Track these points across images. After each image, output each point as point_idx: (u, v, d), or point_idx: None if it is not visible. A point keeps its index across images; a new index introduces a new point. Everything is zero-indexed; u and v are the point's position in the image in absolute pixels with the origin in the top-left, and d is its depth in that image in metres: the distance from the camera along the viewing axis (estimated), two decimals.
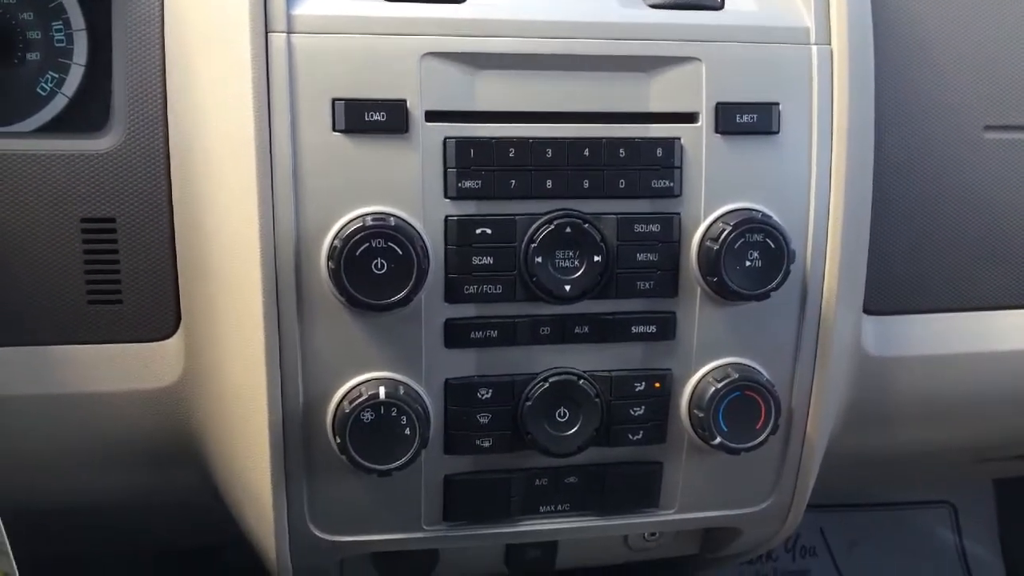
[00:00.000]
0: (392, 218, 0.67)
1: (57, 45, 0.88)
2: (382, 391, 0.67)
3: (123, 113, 0.74)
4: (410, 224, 0.68)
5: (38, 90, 0.88)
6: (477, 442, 0.72)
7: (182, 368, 0.75)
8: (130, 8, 0.76)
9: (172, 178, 0.74)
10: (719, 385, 0.72)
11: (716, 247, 0.70)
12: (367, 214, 0.67)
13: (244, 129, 0.67)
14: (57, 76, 0.88)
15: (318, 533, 0.74)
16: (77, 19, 0.88)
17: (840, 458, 0.86)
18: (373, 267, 0.66)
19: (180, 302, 0.75)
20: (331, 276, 0.67)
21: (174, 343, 0.75)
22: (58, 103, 0.88)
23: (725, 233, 0.70)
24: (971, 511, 1.60)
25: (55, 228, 0.73)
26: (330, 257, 0.66)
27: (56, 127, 0.86)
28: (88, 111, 0.89)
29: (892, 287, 0.84)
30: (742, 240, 0.70)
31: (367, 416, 0.67)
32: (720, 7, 0.75)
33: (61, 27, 0.88)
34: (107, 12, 0.80)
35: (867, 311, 0.83)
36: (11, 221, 0.73)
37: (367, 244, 0.66)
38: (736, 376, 0.72)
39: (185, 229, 0.73)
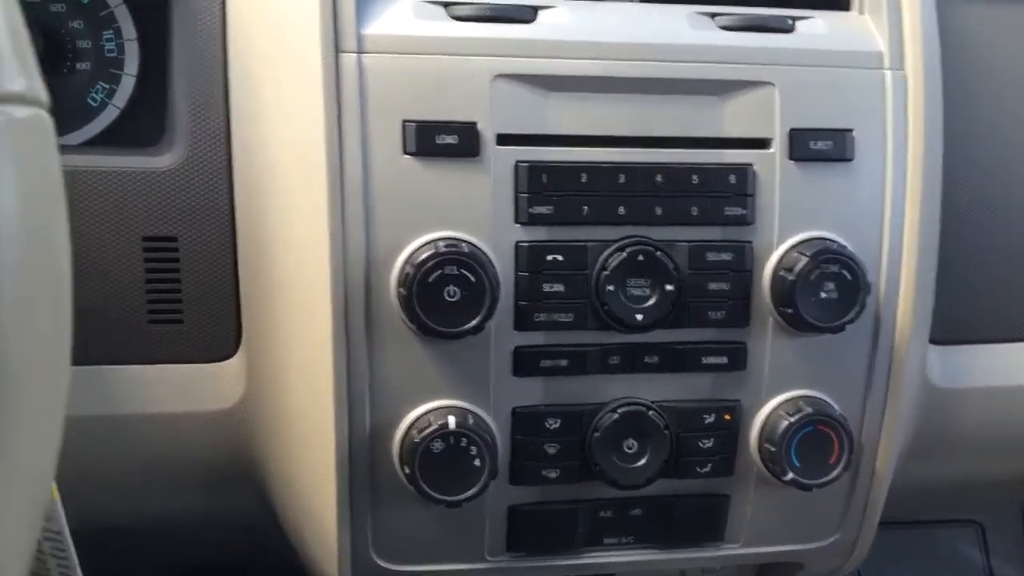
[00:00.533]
0: (464, 244, 0.65)
1: (108, 55, 0.86)
2: (452, 421, 0.66)
3: (184, 129, 0.72)
4: (482, 250, 0.66)
5: (88, 100, 0.86)
6: (543, 472, 0.71)
7: (243, 389, 0.73)
8: (190, 20, 0.74)
9: (235, 196, 0.72)
10: (792, 419, 0.71)
11: (791, 278, 0.68)
12: (439, 239, 0.66)
13: (315, 150, 0.65)
14: (108, 87, 0.87)
15: (380, 562, 0.72)
16: (128, 29, 0.86)
17: (897, 488, 0.84)
18: (445, 294, 0.64)
19: (241, 321, 0.74)
20: (402, 303, 0.65)
21: (235, 363, 0.73)
22: (109, 114, 0.86)
23: (802, 264, 0.68)
24: (999, 530, 1.59)
25: (116, 246, 0.72)
26: (402, 283, 0.65)
27: (106, 139, 0.85)
28: (139, 123, 0.87)
29: (958, 317, 0.82)
30: (818, 271, 0.68)
31: (437, 446, 0.66)
32: (791, 30, 0.73)
33: (112, 36, 0.86)
34: (161, 23, 0.79)
35: (933, 341, 0.81)
36: (71, 238, 0.71)
37: (440, 271, 0.64)
38: (809, 410, 0.71)
39: (248, 248, 0.72)
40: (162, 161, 0.73)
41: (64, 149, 0.76)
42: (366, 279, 0.66)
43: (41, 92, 0.32)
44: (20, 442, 0.31)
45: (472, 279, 0.64)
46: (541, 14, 0.70)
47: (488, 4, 0.69)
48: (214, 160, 0.72)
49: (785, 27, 0.73)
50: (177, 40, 0.74)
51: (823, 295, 0.69)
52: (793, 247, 0.70)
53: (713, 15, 0.73)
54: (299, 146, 0.66)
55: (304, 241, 0.67)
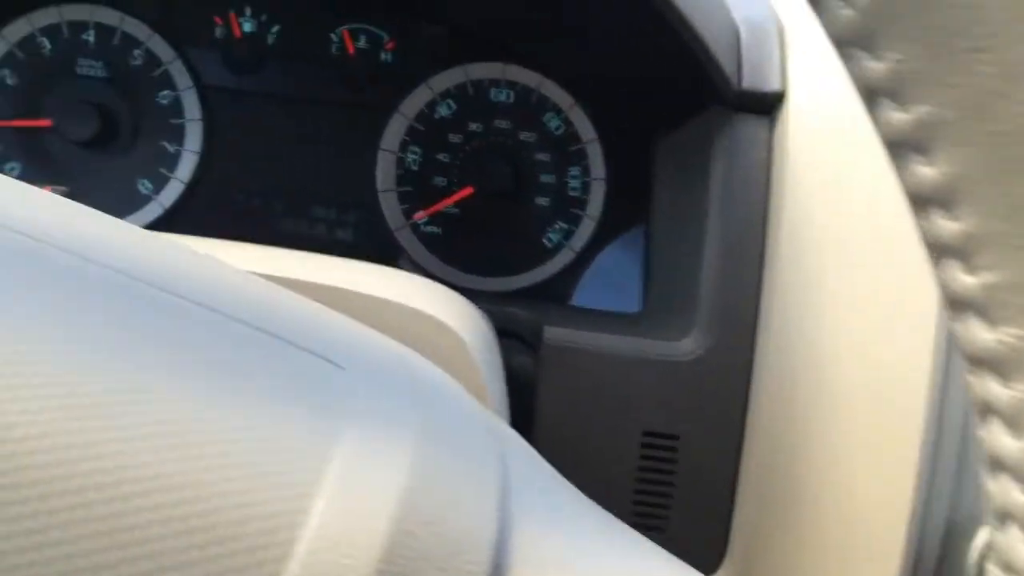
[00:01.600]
0: None
1: (570, 193, 0.80)
2: None
3: (711, 312, 0.63)
4: None
5: (544, 240, 0.80)
6: None
7: None
8: (730, 176, 0.65)
9: (751, 395, 0.62)
10: None
11: None
12: None
13: (910, 375, 0.54)
14: (567, 227, 0.80)
15: None
16: (598, 167, 0.79)
17: None
18: None
19: (729, 535, 0.63)
20: None
21: None
22: (564, 258, 0.80)
23: None
24: None
25: (614, 436, 0.63)
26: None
27: (554, 285, 0.78)
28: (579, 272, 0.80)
29: None
30: None
31: None
32: None
33: (578, 174, 0.80)
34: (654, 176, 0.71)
35: None
36: (570, 418, 0.63)
37: None
38: None
39: (757, 456, 0.61)
40: (681, 348, 0.63)
41: (591, 327, 0.68)
42: (940, 550, 0.54)
43: None
44: None
45: None
46: None
47: None
48: (741, 350, 0.62)
49: None
50: (713, 204, 0.65)
51: None
52: None
53: None
54: (881, 360, 0.55)
55: (863, 481, 0.55)
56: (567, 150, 0.79)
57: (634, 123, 0.77)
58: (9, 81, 0.76)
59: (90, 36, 0.76)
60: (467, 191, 0.78)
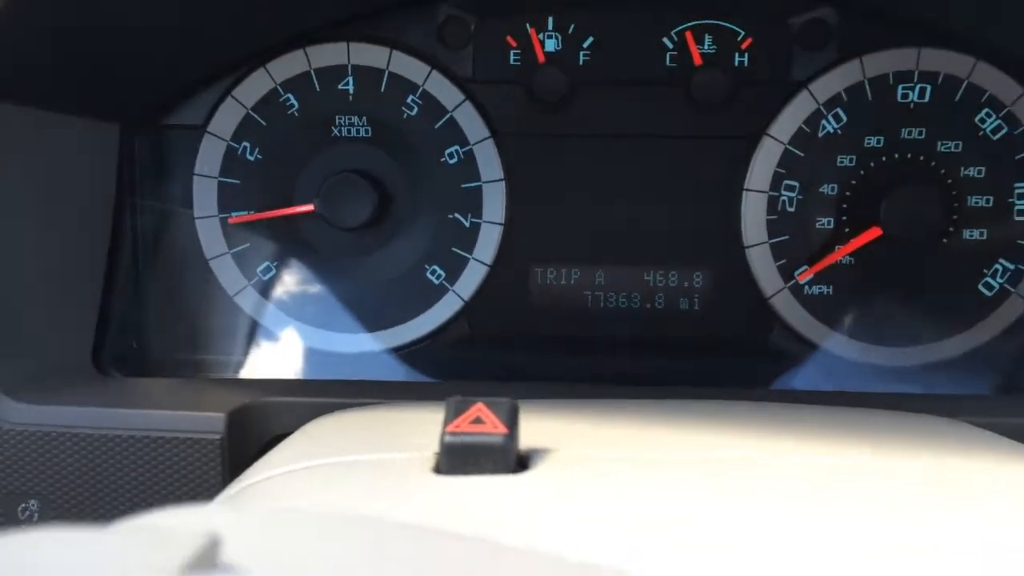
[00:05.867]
0: None
1: (1019, 219, 0.56)
2: None
3: None
4: None
5: (981, 288, 0.57)
6: None
7: None
8: None
9: None
10: None
11: None
12: None
13: None
14: (1013, 268, 0.57)
15: None
16: None
17: None
18: None
19: None
20: None
21: None
22: (1015, 307, 0.57)
23: None
24: None
25: None
26: None
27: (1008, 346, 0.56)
28: None
29: None
30: None
31: None
32: None
33: None
34: None
35: None
36: None
37: None
38: None
39: None
40: None
41: None
42: None
43: None
44: None
45: None
46: None
47: None
48: None
49: None
50: None
51: None
52: None
53: None
54: None
55: None
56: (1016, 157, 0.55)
57: None
58: (249, 156, 0.58)
59: (348, 85, 0.57)
60: (872, 234, 0.56)
